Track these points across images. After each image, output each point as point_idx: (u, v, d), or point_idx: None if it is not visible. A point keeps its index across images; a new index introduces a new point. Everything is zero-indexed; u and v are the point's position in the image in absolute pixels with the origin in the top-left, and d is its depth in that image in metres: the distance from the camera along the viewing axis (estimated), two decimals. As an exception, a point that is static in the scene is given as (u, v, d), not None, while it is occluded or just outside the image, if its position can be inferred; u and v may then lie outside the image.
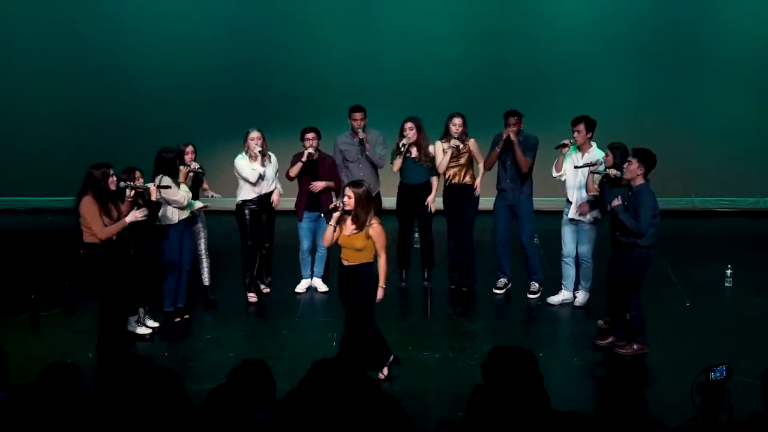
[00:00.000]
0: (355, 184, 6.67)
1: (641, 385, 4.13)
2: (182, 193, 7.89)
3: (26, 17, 11.61)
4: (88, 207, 7.11)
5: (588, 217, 8.16)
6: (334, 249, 7.14)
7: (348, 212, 6.55)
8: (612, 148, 7.75)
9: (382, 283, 6.70)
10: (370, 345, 6.75)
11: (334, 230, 6.63)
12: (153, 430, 4.01)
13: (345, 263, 6.67)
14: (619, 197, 7.16)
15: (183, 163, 8.12)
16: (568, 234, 8.37)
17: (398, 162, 8.70)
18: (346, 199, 6.54)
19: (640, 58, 11.35)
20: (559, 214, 8.51)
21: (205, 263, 8.50)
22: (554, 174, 8.37)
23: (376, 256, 6.66)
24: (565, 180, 8.30)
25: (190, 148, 8.22)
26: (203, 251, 8.46)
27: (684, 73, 11.40)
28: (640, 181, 7.10)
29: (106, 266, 7.23)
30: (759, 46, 11.33)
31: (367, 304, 6.71)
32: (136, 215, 7.21)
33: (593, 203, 8.06)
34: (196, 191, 8.32)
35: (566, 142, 8.24)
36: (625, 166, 7.17)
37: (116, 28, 11.52)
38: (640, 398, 4.02)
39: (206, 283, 8.57)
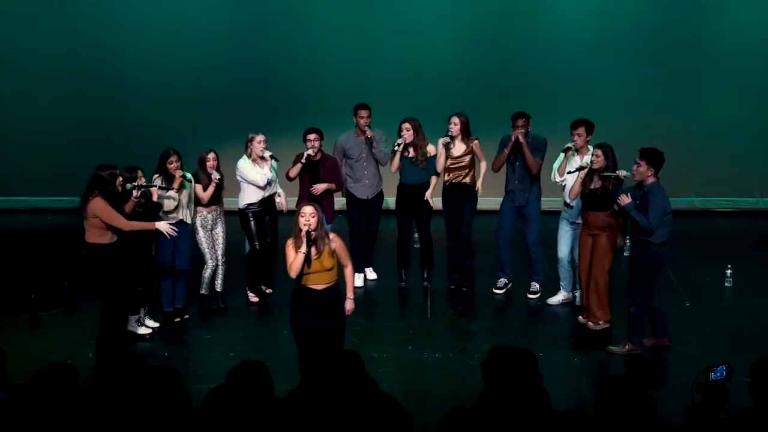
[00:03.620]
0: (311, 203, 6.25)
1: (641, 385, 4.14)
2: (165, 201, 7.88)
3: (26, 17, 11.60)
4: (102, 206, 7.13)
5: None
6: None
7: (311, 234, 6.05)
8: (601, 148, 7.71)
9: (350, 294, 6.39)
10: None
11: (309, 259, 6.09)
12: (153, 429, 4.01)
13: (316, 288, 6.17)
14: (628, 194, 7.17)
15: (204, 169, 8.13)
16: (563, 236, 8.37)
17: (396, 163, 8.68)
18: (312, 219, 6.03)
19: (640, 58, 11.34)
20: (558, 213, 8.50)
21: (220, 270, 8.45)
22: (558, 179, 8.31)
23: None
24: (564, 184, 8.29)
25: (212, 155, 8.16)
26: (220, 257, 8.43)
27: (684, 73, 11.39)
28: (651, 180, 7.13)
29: (108, 266, 7.25)
30: (759, 46, 11.32)
31: (343, 331, 6.40)
32: (167, 228, 7.36)
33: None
34: (218, 198, 8.31)
35: (570, 145, 8.22)
36: (633, 168, 7.20)
37: (116, 27, 11.52)
38: (640, 398, 4.02)
39: (218, 289, 8.52)
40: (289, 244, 6.17)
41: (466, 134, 8.63)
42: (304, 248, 6.05)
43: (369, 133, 8.75)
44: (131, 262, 7.53)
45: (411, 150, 8.64)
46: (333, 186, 8.75)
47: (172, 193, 7.88)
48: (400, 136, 8.63)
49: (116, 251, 7.28)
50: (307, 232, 6.03)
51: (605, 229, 7.64)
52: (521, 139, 8.32)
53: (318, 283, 6.19)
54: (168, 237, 7.58)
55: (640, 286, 7.28)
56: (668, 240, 7.23)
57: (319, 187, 8.60)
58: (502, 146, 8.57)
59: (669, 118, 11.37)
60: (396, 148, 8.60)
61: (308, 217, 6.06)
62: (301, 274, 6.16)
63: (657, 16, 11.34)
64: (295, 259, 6.08)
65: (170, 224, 7.95)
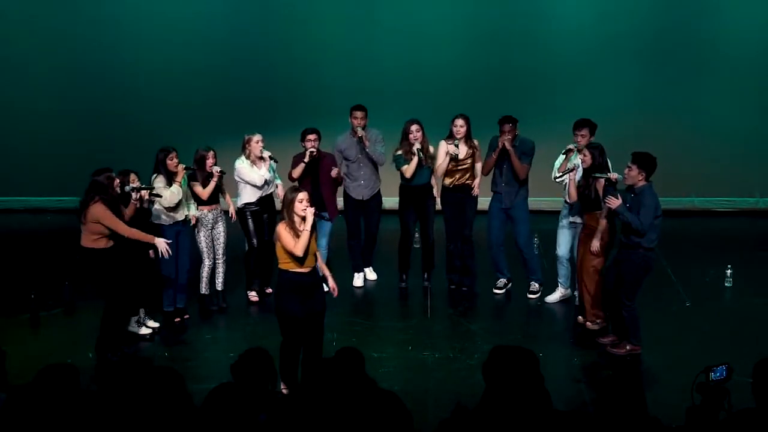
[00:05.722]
0: (298, 188, 6.59)
1: (641, 384, 4.13)
2: (168, 194, 7.87)
3: (25, 17, 11.61)
4: (104, 212, 7.14)
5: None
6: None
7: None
8: (590, 148, 7.72)
9: (328, 274, 6.89)
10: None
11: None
12: (155, 429, 4.01)
13: (305, 271, 6.46)
14: (619, 196, 7.17)
15: (203, 168, 8.15)
16: (563, 236, 8.36)
17: (413, 166, 8.57)
18: (307, 205, 6.42)
19: (640, 58, 11.33)
20: (556, 213, 8.50)
21: (221, 269, 8.47)
22: (554, 176, 8.34)
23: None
24: (565, 183, 8.29)
25: (211, 153, 8.22)
26: (221, 256, 8.44)
27: (684, 73, 11.38)
28: (642, 183, 7.12)
29: (109, 269, 7.25)
30: (759, 46, 11.31)
31: (324, 313, 6.72)
32: (163, 247, 7.42)
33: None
34: (218, 196, 8.35)
35: (571, 147, 8.20)
36: (625, 171, 7.19)
37: (115, 27, 11.52)
38: (640, 398, 4.02)
39: (219, 288, 8.54)
40: (284, 228, 6.38)
41: (469, 136, 8.61)
42: (308, 226, 6.36)
43: (360, 133, 8.73)
44: (129, 264, 7.53)
45: None
46: (340, 173, 8.77)
47: (175, 188, 7.88)
48: (407, 138, 8.58)
49: (112, 255, 7.28)
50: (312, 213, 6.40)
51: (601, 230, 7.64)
52: (508, 146, 8.30)
53: (307, 265, 6.46)
54: (162, 256, 7.61)
55: (627, 289, 7.27)
56: (656, 246, 7.24)
57: (334, 172, 8.63)
58: (491, 148, 8.56)
59: (669, 118, 11.37)
60: (418, 153, 8.49)
61: (306, 202, 6.39)
62: (302, 259, 6.39)
63: (657, 16, 11.33)
64: (301, 237, 6.34)
65: (174, 222, 7.98)
